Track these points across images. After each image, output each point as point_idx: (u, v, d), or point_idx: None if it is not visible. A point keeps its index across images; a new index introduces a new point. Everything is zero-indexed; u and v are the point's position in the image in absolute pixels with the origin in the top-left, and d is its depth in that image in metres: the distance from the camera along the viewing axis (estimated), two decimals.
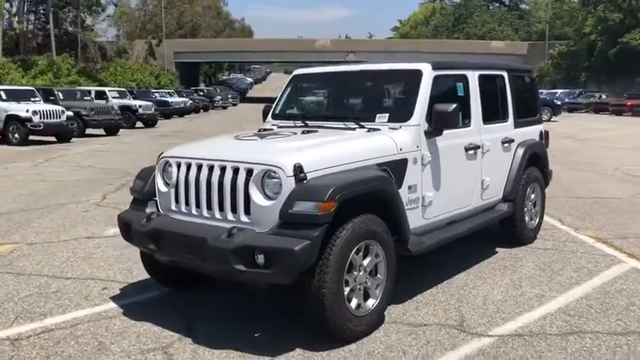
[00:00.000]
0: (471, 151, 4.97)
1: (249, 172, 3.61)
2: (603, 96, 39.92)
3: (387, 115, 4.48)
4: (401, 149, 4.22)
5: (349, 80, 5.04)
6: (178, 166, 4.00)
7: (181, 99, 36.64)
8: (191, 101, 38.15)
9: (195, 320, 4.08)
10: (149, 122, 26.36)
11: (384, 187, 3.88)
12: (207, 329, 3.92)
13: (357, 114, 4.61)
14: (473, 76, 5.05)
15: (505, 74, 5.57)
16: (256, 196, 3.58)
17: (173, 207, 4.03)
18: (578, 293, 4.56)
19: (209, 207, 3.79)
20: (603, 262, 5.38)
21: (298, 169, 3.51)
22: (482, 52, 58.39)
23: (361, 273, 3.71)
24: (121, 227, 4.25)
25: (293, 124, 4.83)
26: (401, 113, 4.45)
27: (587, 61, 49.15)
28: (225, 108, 47.66)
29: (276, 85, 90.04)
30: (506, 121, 5.57)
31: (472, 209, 5.14)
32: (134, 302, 4.45)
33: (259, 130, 4.68)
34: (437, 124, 4.37)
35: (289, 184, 3.49)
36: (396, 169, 4.14)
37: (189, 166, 3.92)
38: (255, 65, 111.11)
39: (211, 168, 3.78)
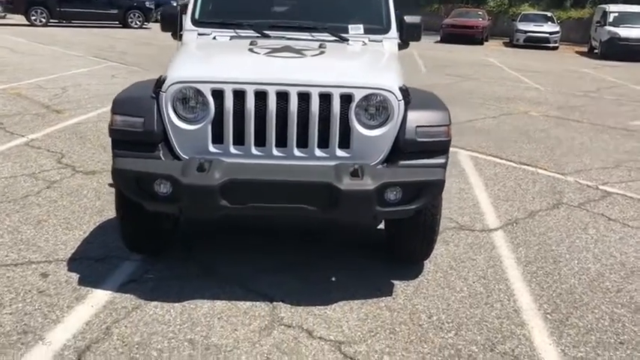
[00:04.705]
0: None
1: (347, 98, 2.99)
2: None
3: (361, 26, 4.19)
4: None
5: None
6: (216, 93, 2.98)
7: None
8: None
9: (250, 282, 3.35)
10: None
11: None
12: (280, 289, 3.29)
13: (326, 24, 4.11)
14: None
15: None
16: (359, 126, 3.02)
17: (212, 149, 3.03)
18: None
19: (281, 144, 3.03)
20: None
21: (405, 92, 3.11)
22: None
23: None
24: (133, 186, 2.95)
25: (235, 33, 4.00)
26: (376, 25, 4.17)
27: None
28: None
29: None
30: None
31: None
32: (130, 281, 3.34)
33: (251, 43, 3.70)
34: (408, 36, 4.31)
35: (400, 110, 3.04)
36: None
37: (240, 94, 2.97)
38: None
39: (282, 95, 2.97)
